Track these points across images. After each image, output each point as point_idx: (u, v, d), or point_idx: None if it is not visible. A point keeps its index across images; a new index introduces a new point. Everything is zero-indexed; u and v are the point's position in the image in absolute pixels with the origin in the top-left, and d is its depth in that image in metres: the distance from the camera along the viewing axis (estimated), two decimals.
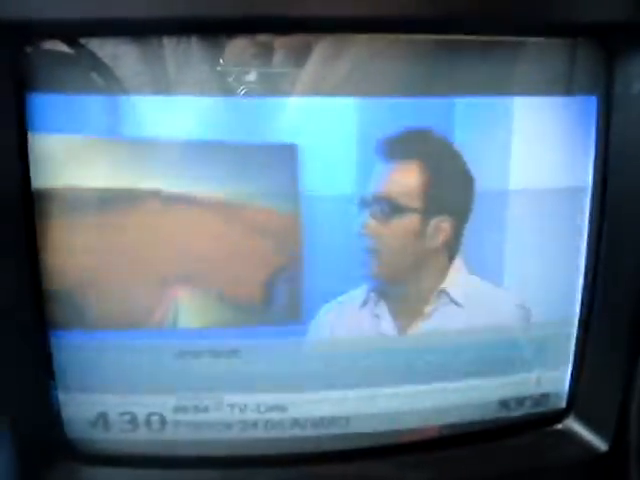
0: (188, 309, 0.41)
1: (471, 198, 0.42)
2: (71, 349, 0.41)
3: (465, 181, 0.41)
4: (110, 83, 0.38)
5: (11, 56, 0.36)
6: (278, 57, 0.39)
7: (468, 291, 0.43)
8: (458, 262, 0.43)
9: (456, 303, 0.43)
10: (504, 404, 0.46)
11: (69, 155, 0.39)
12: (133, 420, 0.43)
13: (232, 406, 0.43)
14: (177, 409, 0.43)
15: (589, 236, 0.44)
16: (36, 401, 0.41)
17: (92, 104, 0.38)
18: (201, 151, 0.39)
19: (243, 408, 0.43)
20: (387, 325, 0.43)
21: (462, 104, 0.40)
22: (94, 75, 0.38)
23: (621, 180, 0.42)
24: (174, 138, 0.39)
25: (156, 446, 0.44)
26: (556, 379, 0.47)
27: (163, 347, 0.42)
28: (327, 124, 0.40)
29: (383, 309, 0.43)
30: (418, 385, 0.44)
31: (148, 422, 0.43)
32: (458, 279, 0.43)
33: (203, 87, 0.39)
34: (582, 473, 0.46)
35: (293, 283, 0.41)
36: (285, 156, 0.40)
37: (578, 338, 0.46)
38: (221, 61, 0.39)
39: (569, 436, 0.46)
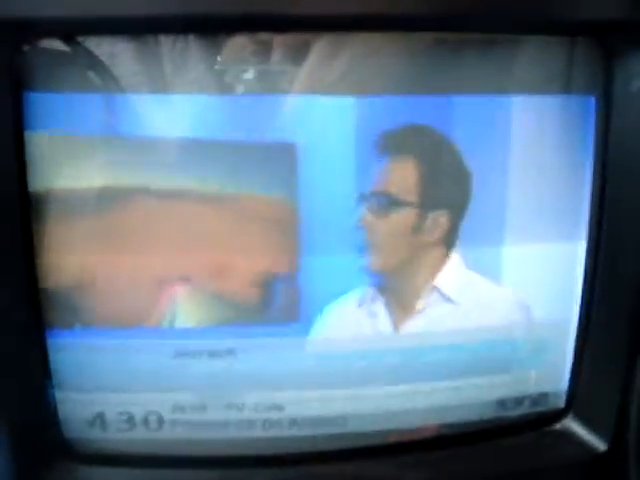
0: (185, 308, 0.41)
1: (468, 194, 0.42)
2: (68, 348, 0.41)
3: (462, 177, 0.41)
4: (107, 82, 0.38)
5: (8, 54, 0.36)
6: (276, 55, 0.39)
7: (465, 287, 0.43)
8: (455, 258, 0.43)
9: (450, 298, 0.43)
10: (502, 403, 0.46)
11: (66, 154, 0.39)
12: (130, 420, 0.43)
13: (229, 405, 0.43)
14: (175, 408, 0.43)
15: (588, 235, 0.44)
16: (33, 401, 0.41)
17: (89, 103, 0.38)
18: (199, 149, 0.39)
19: (240, 407, 0.43)
20: (384, 323, 0.43)
21: (460, 102, 0.40)
22: (91, 74, 0.38)
23: (620, 178, 0.42)
24: (172, 136, 0.39)
25: (154, 446, 0.44)
26: (555, 378, 0.47)
27: (160, 346, 0.42)
28: (325, 122, 0.40)
29: (380, 307, 0.43)
30: (416, 384, 0.44)
31: (145, 421, 0.43)
32: (455, 275, 0.43)
33: (201, 85, 0.39)
34: (581, 473, 0.46)
35: (290, 282, 0.41)
36: (283, 154, 0.40)
37: (577, 337, 0.45)
38: (219, 59, 0.39)
39: (568, 436, 0.46)
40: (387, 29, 0.39)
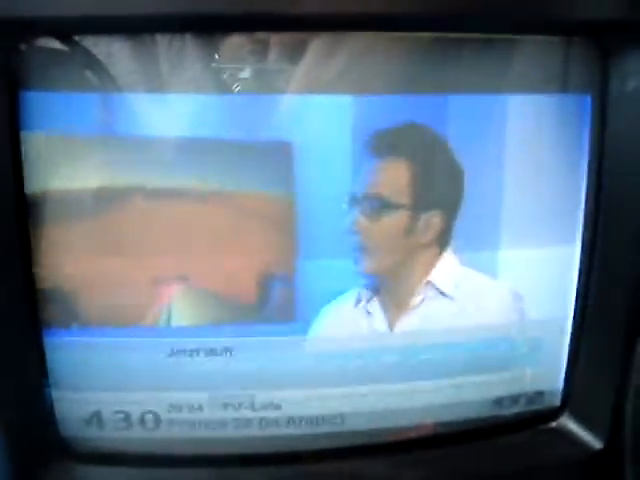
0: (182, 307, 0.41)
1: (462, 193, 0.42)
2: (65, 347, 0.41)
3: (455, 176, 0.41)
4: (105, 81, 0.38)
5: (4, 54, 0.36)
6: (273, 54, 0.39)
7: (460, 284, 0.43)
8: (450, 257, 0.43)
9: (446, 296, 0.43)
10: (498, 402, 0.46)
11: (63, 153, 0.38)
12: (127, 418, 0.43)
13: (226, 404, 0.43)
14: (171, 407, 0.43)
15: (583, 234, 0.44)
16: (30, 399, 0.41)
17: (86, 102, 0.38)
18: (195, 148, 0.39)
19: (237, 406, 0.43)
20: (380, 322, 0.43)
21: (456, 101, 0.40)
22: (88, 73, 0.38)
23: (616, 177, 0.42)
24: (169, 135, 0.39)
25: (150, 444, 0.44)
26: (550, 377, 0.47)
27: (157, 345, 0.42)
28: (322, 121, 0.40)
29: (376, 306, 0.43)
30: (412, 383, 0.44)
31: (142, 420, 0.43)
32: (450, 272, 0.43)
33: (197, 84, 0.39)
34: (576, 471, 0.46)
35: (287, 281, 0.41)
36: (280, 153, 0.39)
37: (573, 335, 0.46)
38: (215, 58, 0.38)
39: (563, 434, 0.46)
40: (384, 29, 0.39)
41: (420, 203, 0.41)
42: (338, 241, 0.41)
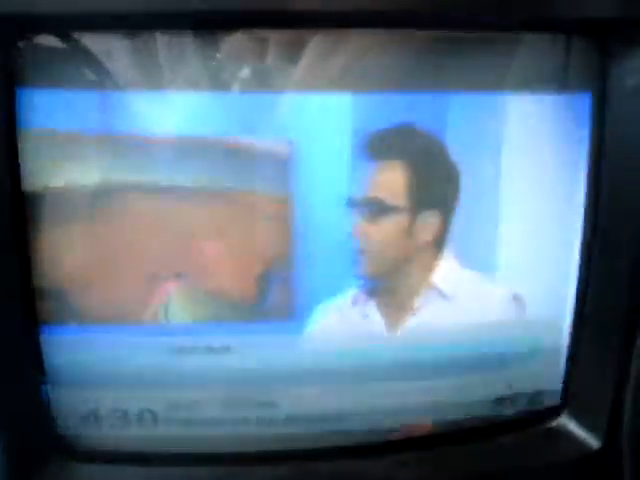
0: (180, 305, 0.41)
1: (459, 193, 0.42)
2: (62, 345, 0.41)
3: (452, 175, 0.41)
4: (103, 78, 0.38)
5: (2, 51, 0.36)
6: (272, 52, 0.38)
7: (459, 285, 0.43)
8: (449, 256, 0.43)
9: (446, 298, 0.43)
10: (497, 401, 0.46)
11: (60, 151, 0.38)
12: (125, 416, 0.43)
13: (224, 402, 0.43)
14: (169, 405, 0.43)
15: (583, 233, 0.44)
16: (27, 397, 0.41)
17: (84, 99, 0.38)
18: (194, 147, 0.39)
19: (235, 404, 0.43)
20: (379, 322, 0.43)
21: (455, 100, 0.40)
22: (86, 70, 0.38)
23: (615, 176, 0.42)
24: (167, 133, 0.39)
25: (148, 442, 0.44)
26: (550, 376, 0.47)
27: (155, 343, 0.42)
28: (321, 119, 0.39)
29: (374, 307, 0.43)
30: (411, 382, 0.44)
31: (140, 418, 0.43)
32: (449, 274, 0.43)
33: (196, 82, 0.39)
34: (575, 470, 0.46)
35: (285, 281, 0.41)
36: (279, 152, 0.39)
37: (572, 335, 0.45)
38: (215, 56, 0.38)
39: (563, 433, 0.46)
40: (383, 26, 0.39)
41: (418, 205, 0.41)
42: (336, 241, 0.41)
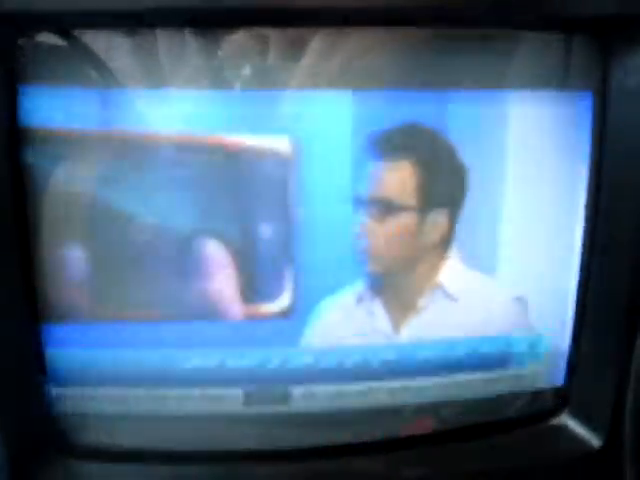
0: (180, 303, 0.41)
1: (465, 191, 0.42)
2: (63, 344, 0.41)
3: (459, 174, 0.41)
4: (104, 76, 0.38)
5: (3, 49, 0.36)
6: (273, 50, 0.39)
7: (463, 285, 0.43)
8: (453, 256, 0.43)
9: (451, 297, 0.43)
10: (499, 399, 0.46)
11: (62, 148, 0.38)
12: (126, 415, 0.43)
13: (224, 401, 0.43)
14: (170, 404, 0.43)
15: (584, 232, 0.44)
16: (28, 396, 0.41)
17: (86, 97, 0.38)
18: (194, 145, 0.39)
19: (235, 403, 0.43)
20: (382, 321, 0.43)
21: (457, 97, 0.40)
22: (88, 68, 0.38)
23: (616, 175, 0.42)
24: (168, 132, 0.39)
25: (149, 441, 0.44)
26: (551, 375, 0.47)
27: (156, 342, 0.42)
28: (323, 117, 0.40)
29: (378, 305, 0.43)
30: (412, 380, 0.44)
31: (141, 417, 0.43)
32: (453, 273, 0.43)
33: (198, 80, 0.39)
34: (576, 468, 0.46)
35: (290, 279, 0.41)
36: (281, 149, 0.39)
37: (573, 334, 0.46)
38: (216, 54, 0.38)
39: (564, 432, 0.46)
40: (384, 24, 0.39)
41: (427, 204, 0.41)
42: (340, 241, 0.41)
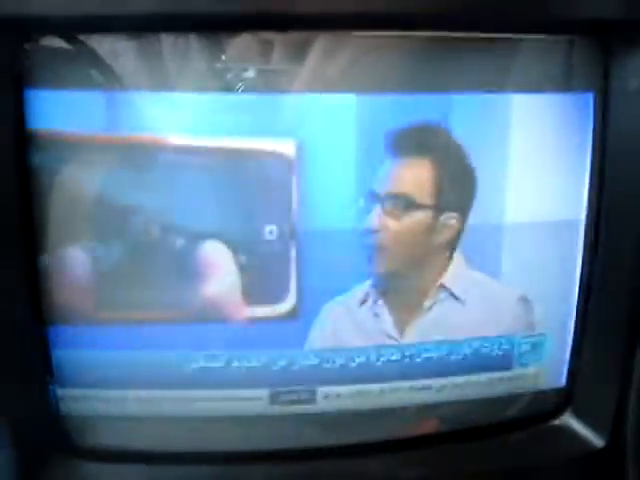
0: (186, 305, 0.41)
1: (474, 193, 0.42)
2: (69, 345, 0.41)
3: (470, 175, 0.42)
4: (110, 80, 0.38)
5: (10, 52, 0.36)
6: (277, 54, 0.39)
7: (468, 286, 0.43)
8: (459, 257, 0.43)
9: (456, 298, 0.43)
10: (501, 400, 0.46)
11: (67, 151, 0.39)
12: (131, 415, 0.43)
13: (228, 402, 0.43)
14: (174, 405, 0.43)
15: (586, 233, 0.44)
16: (34, 397, 0.41)
17: (91, 100, 0.38)
18: (199, 148, 0.39)
19: (239, 404, 0.43)
20: (386, 321, 0.43)
21: (460, 100, 0.40)
22: (93, 71, 0.38)
23: (618, 175, 0.42)
24: (173, 134, 0.39)
25: (154, 441, 0.44)
26: (553, 375, 0.47)
27: (162, 343, 0.42)
28: (328, 120, 0.40)
29: (383, 306, 0.43)
30: (415, 381, 0.44)
31: (146, 417, 0.43)
32: (458, 274, 0.43)
33: (202, 84, 0.39)
34: (579, 469, 0.46)
35: (294, 280, 0.41)
36: (287, 152, 0.40)
37: (575, 334, 0.46)
38: (220, 58, 0.39)
39: (566, 432, 0.46)
40: (387, 28, 0.39)
41: (442, 203, 0.42)
42: (345, 242, 0.41)
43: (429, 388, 0.45)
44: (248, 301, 0.42)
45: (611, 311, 0.44)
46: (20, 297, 0.39)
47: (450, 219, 0.42)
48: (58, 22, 0.36)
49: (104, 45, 0.38)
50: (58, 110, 0.38)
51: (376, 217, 0.41)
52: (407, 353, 0.44)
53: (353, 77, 0.39)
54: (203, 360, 0.42)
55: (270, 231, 0.40)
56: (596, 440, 0.46)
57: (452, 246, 0.43)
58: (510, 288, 0.44)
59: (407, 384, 0.44)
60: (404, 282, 0.43)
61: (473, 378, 0.45)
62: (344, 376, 0.44)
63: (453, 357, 0.44)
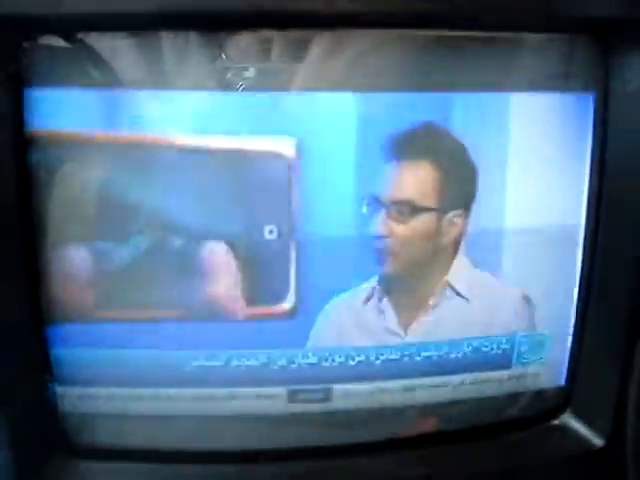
0: (185, 304, 0.41)
1: (476, 192, 0.42)
2: (67, 344, 0.41)
3: (471, 174, 0.42)
4: (109, 78, 0.38)
5: (9, 52, 0.36)
6: (277, 52, 0.39)
7: (472, 284, 0.43)
8: (463, 257, 0.43)
9: (460, 296, 0.43)
10: (501, 399, 0.46)
11: (67, 149, 0.39)
12: (130, 414, 0.43)
13: (229, 400, 0.43)
14: (174, 403, 0.43)
15: (586, 232, 0.44)
16: (33, 396, 0.41)
17: (91, 99, 0.38)
18: (199, 147, 0.39)
19: (239, 403, 0.43)
20: (390, 320, 0.43)
21: (460, 99, 0.40)
22: (93, 70, 0.38)
23: (618, 175, 0.42)
24: (172, 133, 0.39)
25: (153, 440, 0.44)
26: (554, 374, 0.47)
27: (161, 342, 0.42)
28: (327, 119, 0.40)
29: (387, 304, 0.43)
30: (415, 380, 0.44)
31: (145, 416, 0.43)
32: (463, 272, 0.43)
33: (201, 82, 0.39)
34: (579, 468, 0.46)
35: (299, 279, 0.41)
36: (287, 152, 0.39)
37: (575, 334, 0.46)
38: (220, 56, 0.39)
39: (566, 431, 0.46)
40: (387, 26, 0.39)
41: (445, 204, 0.42)
42: (347, 241, 0.41)
43: (430, 387, 0.45)
44: (248, 300, 0.41)
45: (611, 311, 0.44)
46: (19, 296, 0.39)
47: (455, 217, 0.42)
48: (57, 21, 0.36)
49: (103, 44, 0.38)
50: (57, 109, 0.38)
51: (381, 223, 0.41)
52: (410, 351, 0.44)
53: (353, 76, 0.39)
54: (203, 358, 0.42)
55: (270, 231, 0.40)
56: (596, 439, 0.46)
57: (457, 244, 0.43)
58: (513, 287, 0.44)
59: (409, 383, 0.44)
60: (409, 281, 0.43)
61: (473, 377, 0.45)
62: (346, 375, 0.44)
63: (454, 356, 0.44)
